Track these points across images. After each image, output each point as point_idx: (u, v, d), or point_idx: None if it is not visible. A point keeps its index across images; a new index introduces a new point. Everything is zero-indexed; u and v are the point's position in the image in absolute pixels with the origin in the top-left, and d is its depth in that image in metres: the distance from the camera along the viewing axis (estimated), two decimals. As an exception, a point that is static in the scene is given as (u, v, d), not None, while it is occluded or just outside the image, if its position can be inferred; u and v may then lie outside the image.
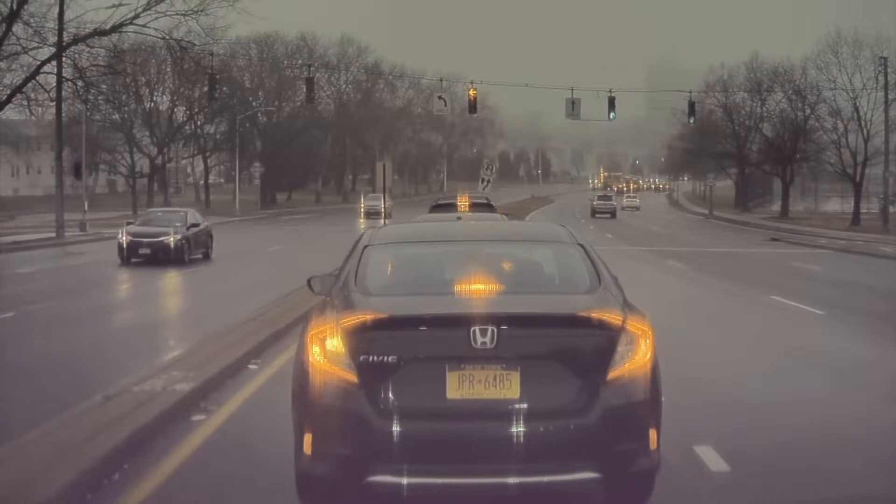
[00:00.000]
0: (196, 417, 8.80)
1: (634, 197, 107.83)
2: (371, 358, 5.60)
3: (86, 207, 50.83)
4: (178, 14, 42.40)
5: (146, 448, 7.64)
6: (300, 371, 5.92)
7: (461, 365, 5.60)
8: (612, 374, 5.68)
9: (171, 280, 24.79)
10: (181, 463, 7.45)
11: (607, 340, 5.73)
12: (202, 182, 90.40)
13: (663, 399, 9.00)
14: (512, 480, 5.56)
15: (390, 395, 5.58)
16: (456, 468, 5.57)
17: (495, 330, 5.57)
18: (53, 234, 41.75)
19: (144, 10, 41.21)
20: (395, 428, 5.53)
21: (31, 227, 50.90)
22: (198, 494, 7.00)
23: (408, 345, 5.67)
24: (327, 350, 5.69)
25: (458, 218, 11.10)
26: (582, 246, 6.86)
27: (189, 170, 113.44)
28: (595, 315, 5.82)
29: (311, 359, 5.76)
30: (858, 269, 30.42)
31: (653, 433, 5.80)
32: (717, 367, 12.25)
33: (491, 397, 5.60)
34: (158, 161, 77.04)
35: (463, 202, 27.21)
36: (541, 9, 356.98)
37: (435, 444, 5.54)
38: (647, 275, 27.54)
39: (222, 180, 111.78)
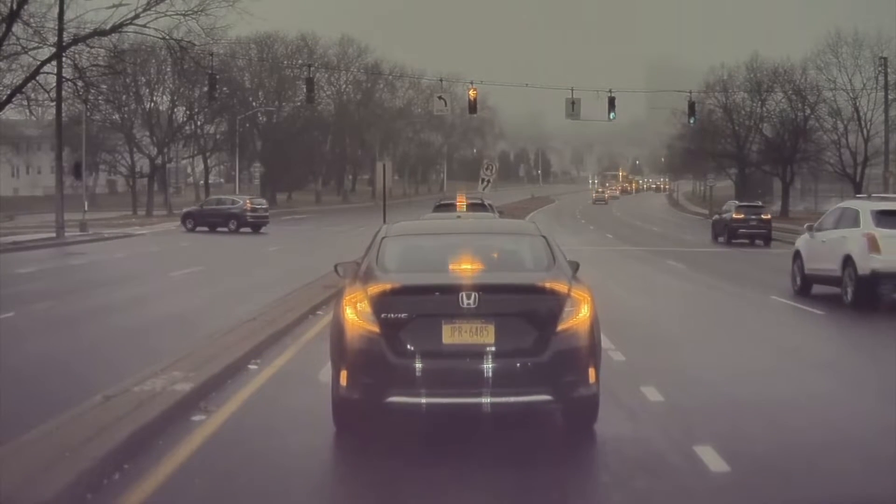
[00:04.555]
0: (196, 417, 8.79)
1: (616, 190, 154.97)
2: (389, 315, 7.65)
3: (85, 207, 50.83)
4: (177, 14, 42.46)
5: (146, 448, 7.64)
6: (337, 326, 7.98)
7: (453, 320, 7.64)
8: (561, 327, 7.71)
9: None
10: (181, 463, 7.44)
11: (557, 303, 7.75)
12: (202, 182, 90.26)
13: (662, 399, 9.23)
14: (487, 400, 7.66)
15: (402, 340, 7.61)
16: (448, 391, 7.69)
17: (477, 295, 7.62)
18: (53, 235, 41.71)
19: (144, 11, 41.28)
20: (406, 364, 7.58)
21: (30, 227, 50.88)
22: (198, 495, 6.99)
23: (415, 306, 7.72)
24: (358, 310, 7.72)
25: (458, 216, 12.54)
26: (544, 237, 8.92)
27: (189, 170, 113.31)
28: (548, 285, 7.90)
29: (346, 316, 7.78)
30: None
31: (591, 371, 7.87)
32: (717, 366, 12.21)
33: (474, 342, 7.65)
34: (158, 161, 76.93)
35: (461, 202, 28.26)
36: (541, 9, 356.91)
37: (434, 374, 7.60)
38: (647, 275, 27.56)
39: (222, 180, 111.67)
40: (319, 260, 27.36)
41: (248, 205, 48.74)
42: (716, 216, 50.38)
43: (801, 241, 21.54)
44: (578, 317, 7.75)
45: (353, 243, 29.82)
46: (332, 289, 19.47)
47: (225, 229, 48.35)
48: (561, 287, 7.83)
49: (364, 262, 8.59)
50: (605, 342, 13.16)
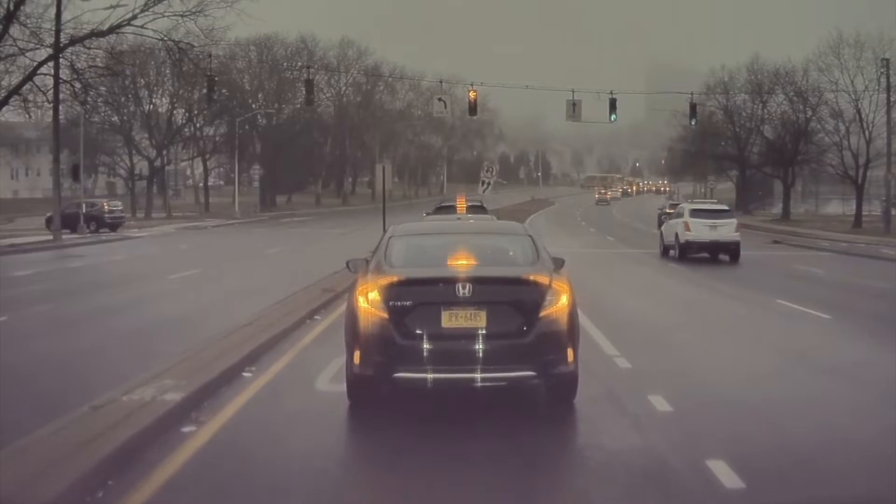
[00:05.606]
0: (186, 429, 8.42)
1: (617, 191, 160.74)
2: (396, 303, 8.73)
3: (83, 209, 50.51)
4: (175, 15, 42.08)
5: (132, 463, 7.28)
6: (351, 313, 9.06)
7: (450, 307, 8.72)
8: (543, 313, 8.76)
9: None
10: (168, 478, 7.07)
11: (540, 293, 8.83)
12: (202, 184, 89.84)
13: (671, 408, 9.09)
14: (480, 375, 8.73)
15: (407, 325, 8.68)
16: (447, 367, 8.70)
17: (471, 286, 8.71)
18: (50, 237, 41.42)
19: (142, 11, 40.86)
20: (411, 344, 8.64)
21: (29, 229, 50.60)
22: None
23: (418, 295, 8.80)
24: (369, 299, 8.80)
25: (458, 218, 13.93)
26: (531, 236, 10.25)
27: (189, 172, 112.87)
28: (532, 277, 9.01)
29: (359, 304, 8.86)
30: (862, 272, 30.06)
31: (570, 351, 8.90)
32: (726, 374, 11.80)
33: (468, 326, 8.72)
34: (157, 163, 76.57)
35: (461, 204, 28.44)
36: (541, 11, 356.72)
37: (434, 353, 8.64)
38: (650, 278, 27.24)
39: (222, 182, 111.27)
40: (318, 262, 27.09)
41: (106, 207, 53.74)
42: (659, 211, 65.23)
43: (664, 226, 37.38)
44: (558, 305, 8.83)
45: (355, 244, 29.51)
46: (331, 292, 19.19)
47: (88, 230, 50.32)
48: (543, 279, 8.94)
49: (374, 258, 9.76)
50: (610, 348, 13.00)
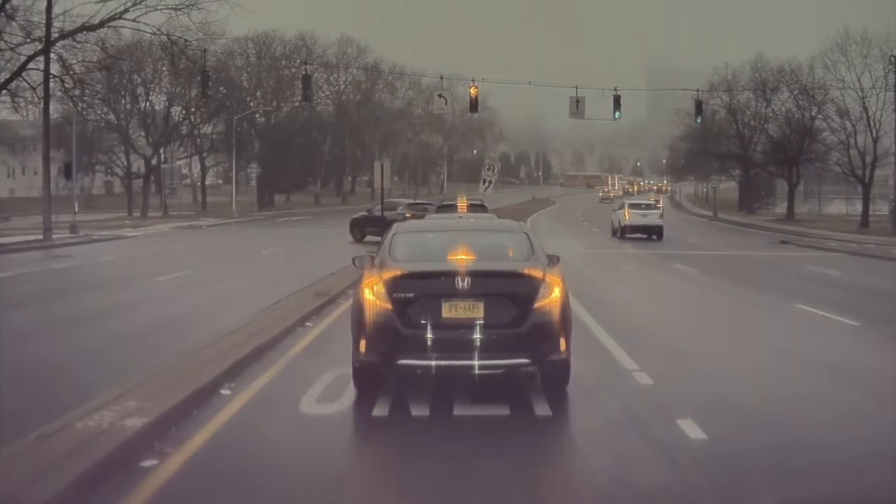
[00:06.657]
0: (146, 463, 7.21)
1: (617, 191, 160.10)
2: (399, 295, 9.21)
3: (76, 208, 49.44)
4: (168, 8, 40.93)
5: (77, 508, 6.12)
6: (358, 305, 9.54)
7: (450, 298, 9.19)
8: (537, 304, 9.26)
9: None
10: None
11: (534, 286, 9.32)
12: (199, 183, 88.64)
13: (705, 436, 8.44)
14: (478, 362, 9.23)
15: (410, 315, 9.18)
16: (446, 355, 9.19)
17: (470, 279, 9.18)
18: (41, 237, 40.34)
19: (134, 5, 39.70)
20: (413, 333, 9.13)
21: (22, 228, 49.35)
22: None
23: (420, 287, 9.30)
24: (374, 291, 9.30)
25: (460, 217, 14.10)
26: (526, 234, 10.70)
27: (186, 171, 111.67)
28: (527, 271, 9.54)
29: (365, 297, 9.35)
30: (876, 274, 28.98)
31: (562, 340, 9.39)
32: (759, 392, 10.49)
33: (467, 317, 9.19)
34: (154, 162, 75.39)
35: (462, 203, 28.04)
36: (541, 10, 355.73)
37: (435, 342, 9.13)
38: (659, 280, 26.18)
39: (220, 181, 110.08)
40: (314, 264, 26.05)
41: None
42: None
43: (612, 215, 50.36)
44: (551, 297, 9.31)
45: (353, 244, 28.42)
46: (325, 296, 18.13)
47: None
48: (537, 273, 9.44)
49: (379, 254, 10.26)
50: (628, 361, 11.85)
